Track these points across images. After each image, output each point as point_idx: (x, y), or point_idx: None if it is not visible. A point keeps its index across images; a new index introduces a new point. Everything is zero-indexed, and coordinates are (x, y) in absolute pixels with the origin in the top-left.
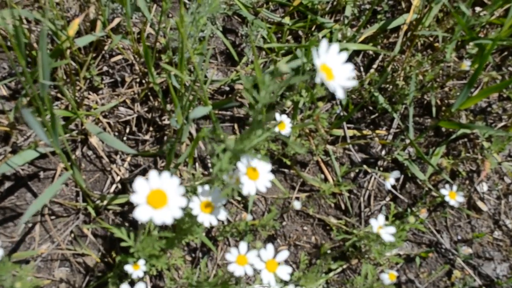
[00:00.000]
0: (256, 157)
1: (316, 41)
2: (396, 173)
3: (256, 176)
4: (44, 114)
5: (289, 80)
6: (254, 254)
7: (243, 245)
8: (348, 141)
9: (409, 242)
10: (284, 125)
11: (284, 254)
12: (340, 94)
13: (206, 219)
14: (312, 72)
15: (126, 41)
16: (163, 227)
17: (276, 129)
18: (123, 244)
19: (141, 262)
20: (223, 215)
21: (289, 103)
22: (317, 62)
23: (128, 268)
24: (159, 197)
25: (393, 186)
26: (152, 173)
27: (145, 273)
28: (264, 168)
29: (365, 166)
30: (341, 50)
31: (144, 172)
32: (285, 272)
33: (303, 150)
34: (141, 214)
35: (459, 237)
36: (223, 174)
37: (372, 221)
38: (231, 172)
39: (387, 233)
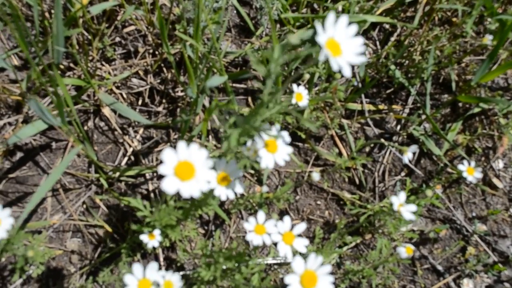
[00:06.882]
0: (270, 132)
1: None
2: (414, 147)
3: (275, 149)
4: (55, 87)
5: (300, 53)
6: (272, 223)
7: (261, 214)
8: (366, 114)
9: (423, 218)
10: (302, 96)
11: (302, 226)
12: (346, 72)
13: (223, 192)
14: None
15: (139, 11)
16: (178, 198)
17: (294, 101)
18: (139, 213)
19: (157, 231)
20: (240, 188)
21: (307, 75)
22: (322, 38)
23: (144, 237)
24: (187, 169)
25: (409, 161)
26: (181, 144)
27: (159, 243)
28: (282, 140)
29: (382, 140)
30: (359, 22)
31: (156, 144)
32: (302, 244)
33: (315, 127)
34: (169, 185)
35: (474, 214)
36: (231, 152)
37: (393, 198)
38: (249, 143)
39: (408, 211)
